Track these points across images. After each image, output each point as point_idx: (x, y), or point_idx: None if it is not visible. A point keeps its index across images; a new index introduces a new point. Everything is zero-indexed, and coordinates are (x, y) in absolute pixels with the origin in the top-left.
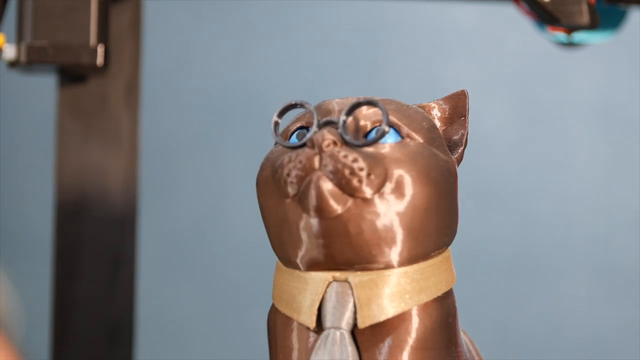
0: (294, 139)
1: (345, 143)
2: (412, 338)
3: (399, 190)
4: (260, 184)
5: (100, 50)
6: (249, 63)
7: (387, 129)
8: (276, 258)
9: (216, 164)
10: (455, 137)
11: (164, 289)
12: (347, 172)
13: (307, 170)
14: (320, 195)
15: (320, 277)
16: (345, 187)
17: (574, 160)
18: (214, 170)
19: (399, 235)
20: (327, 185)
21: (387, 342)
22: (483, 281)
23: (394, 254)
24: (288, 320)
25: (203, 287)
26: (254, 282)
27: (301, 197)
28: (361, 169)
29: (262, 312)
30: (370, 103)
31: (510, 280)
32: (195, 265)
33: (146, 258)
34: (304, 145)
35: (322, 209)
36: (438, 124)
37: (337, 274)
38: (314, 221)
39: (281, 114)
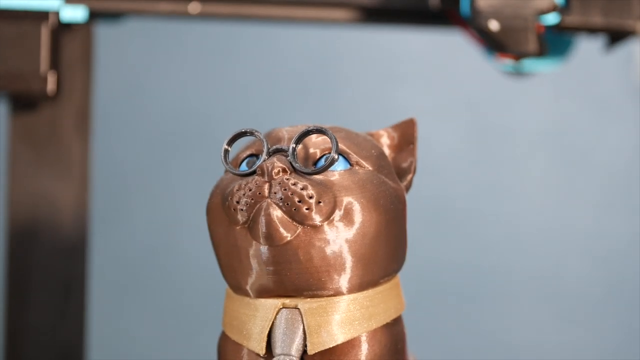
0: (244, 167)
1: (295, 171)
2: None
3: (348, 217)
4: (210, 211)
5: (51, 78)
6: (201, 91)
7: (336, 156)
8: (227, 285)
9: (169, 191)
10: (404, 165)
11: (117, 315)
12: (296, 199)
13: (257, 198)
14: (269, 222)
15: (270, 304)
16: (295, 215)
17: (524, 186)
18: (166, 197)
19: (348, 262)
20: (277, 213)
21: None
22: (433, 307)
23: (343, 280)
24: (238, 347)
25: (156, 313)
26: (206, 308)
27: (251, 225)
28: (310, 197)
29: (215, 339)
30: (320, 131)
31: (460, 307)
32: (148, 292)
33: (99, 285)
34: (253, 172)
35: (271, 236)
36: (387, 151)
37: (287, 301)
38: (264, 248)
39: (231, 142)
